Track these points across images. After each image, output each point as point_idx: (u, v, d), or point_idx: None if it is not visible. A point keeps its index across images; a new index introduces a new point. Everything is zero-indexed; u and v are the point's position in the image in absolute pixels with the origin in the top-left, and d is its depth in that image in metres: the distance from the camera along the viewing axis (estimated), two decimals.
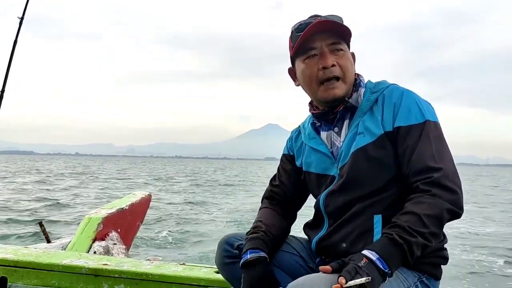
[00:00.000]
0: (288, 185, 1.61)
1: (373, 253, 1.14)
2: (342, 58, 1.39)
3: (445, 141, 1.32)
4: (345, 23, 1.42)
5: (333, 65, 1.37)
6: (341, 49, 1.40)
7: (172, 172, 42.41)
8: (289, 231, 1.61)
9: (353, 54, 1.47)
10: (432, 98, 1.44)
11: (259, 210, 1.62)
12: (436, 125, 1.32)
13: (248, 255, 1.37)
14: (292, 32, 1.46)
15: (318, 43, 1.38)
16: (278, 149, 1.76)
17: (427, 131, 1.29)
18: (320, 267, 1.16)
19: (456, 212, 1.22)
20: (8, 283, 1.92)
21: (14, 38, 1.79)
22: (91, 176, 29.24)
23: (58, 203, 12.12)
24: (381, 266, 1.11)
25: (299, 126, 1.65)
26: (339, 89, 1.38)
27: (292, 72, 1.53)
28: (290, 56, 1.49)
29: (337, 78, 1.38)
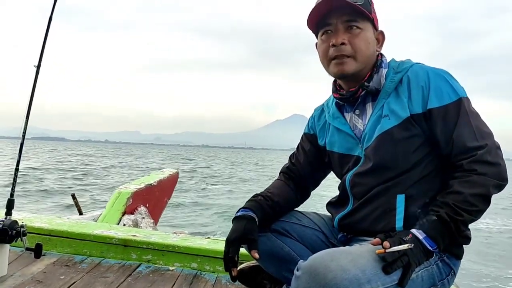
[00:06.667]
0: (304, 164, 1.63)
1: (420, 231, 1.16)
2: (357, 37, 1.34)
3: (479, 115, 1.29)
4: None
5: (342, 43, 1.33)
6: (357, 27, 1.35)
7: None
8: (297, 204, 1.63)
9: (382, 33, 1.42)
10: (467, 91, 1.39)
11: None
12: (468, 101, 1.29)
13: (239, 213, 1.46)
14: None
15: (334, 19, 1.35)
16: None
17: (464, 108, 1.26)
18: (371, 241, 1.17)
19: (501, 185, 1.23)
20: (43, 251, 2.01)
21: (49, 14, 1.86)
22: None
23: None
24: (427, 245, 1.14)
25: (323, 104, 1.62)
26: (348, 65, 1.35)
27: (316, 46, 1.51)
28: (312, 31, 1.47)
29: (347, 56, 1.35)
